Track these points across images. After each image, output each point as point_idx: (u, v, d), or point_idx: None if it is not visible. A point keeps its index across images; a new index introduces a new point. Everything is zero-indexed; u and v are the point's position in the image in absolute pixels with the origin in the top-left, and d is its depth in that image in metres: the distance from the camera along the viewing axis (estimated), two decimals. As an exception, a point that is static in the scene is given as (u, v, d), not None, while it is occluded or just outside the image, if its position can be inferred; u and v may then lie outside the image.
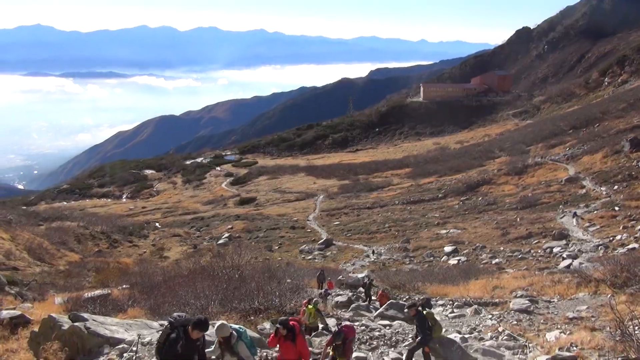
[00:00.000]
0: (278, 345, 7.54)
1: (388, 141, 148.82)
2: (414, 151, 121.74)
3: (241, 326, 7.98)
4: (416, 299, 20.90)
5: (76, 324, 10.69)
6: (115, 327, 11.45)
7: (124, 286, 27.12)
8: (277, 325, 7.57)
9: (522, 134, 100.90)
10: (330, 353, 9.31)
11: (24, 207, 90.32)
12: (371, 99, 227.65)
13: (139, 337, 10.76)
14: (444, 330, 14.07)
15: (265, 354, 10.29)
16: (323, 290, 22.82)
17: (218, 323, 7.24)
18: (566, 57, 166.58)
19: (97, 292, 23.74)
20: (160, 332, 6.54)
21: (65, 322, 10.77)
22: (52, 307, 19.40)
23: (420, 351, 11.32)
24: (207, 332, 10.19)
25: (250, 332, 12.82)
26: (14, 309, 18.53)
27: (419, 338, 11.14)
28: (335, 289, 27.46)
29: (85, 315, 11.88)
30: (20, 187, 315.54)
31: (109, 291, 24.00)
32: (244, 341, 7.17)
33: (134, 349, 9.98)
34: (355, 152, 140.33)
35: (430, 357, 11.31)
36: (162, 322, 13.26)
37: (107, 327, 11.23)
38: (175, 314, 6.68)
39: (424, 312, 11.46)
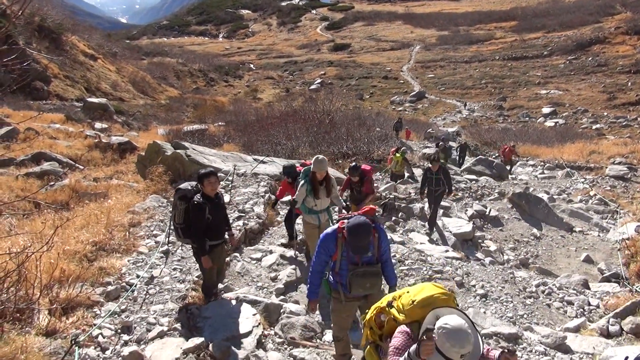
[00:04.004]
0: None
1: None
2: (522, 2, 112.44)
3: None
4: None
5: (178, 150, 11.46)
6: (213, 157, 12.20)
7: (220, 123, 28.49)
8: (283, 175, 7.49)
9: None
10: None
11: (127, 41, 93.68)
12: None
13: (234, 168, 11.48)
14: (531, 189, 13.94)
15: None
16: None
17: (319, 156, 6.38)
18: None
19: (196, 126, 25.16)
20: (174, 210, 5.55)
21: (169, 148, 11.57)
22: (155, 137, 20.84)
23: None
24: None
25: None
26: (122, 135, 20.12)
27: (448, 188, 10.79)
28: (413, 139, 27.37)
29: (186, 144, 12.69)
30: (123, 20, 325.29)
31: (207, 127, 25.35)
32: None
33: (230, 178, 10.72)
34: (459, 0, 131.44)
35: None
36: (256, 157, 13.94)
37: (205, 156, 11.98)
38: (182, 185, 5.59)
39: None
